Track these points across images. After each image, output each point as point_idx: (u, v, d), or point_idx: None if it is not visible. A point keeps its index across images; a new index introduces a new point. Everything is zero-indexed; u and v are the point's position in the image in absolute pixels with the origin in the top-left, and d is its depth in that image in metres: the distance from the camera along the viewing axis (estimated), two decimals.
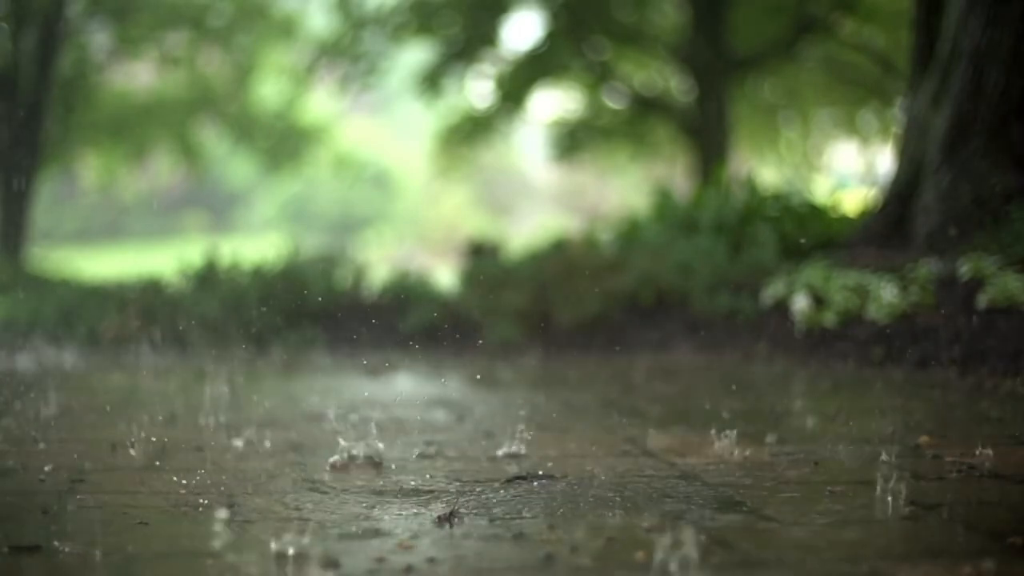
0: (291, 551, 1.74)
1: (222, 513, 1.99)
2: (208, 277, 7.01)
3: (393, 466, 2.55)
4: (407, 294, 6.77)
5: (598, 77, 16.13)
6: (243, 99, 18.00)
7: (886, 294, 5.04)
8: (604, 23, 15.20)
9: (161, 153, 18.50)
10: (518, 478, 2.34)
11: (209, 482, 2.26)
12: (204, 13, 16.58)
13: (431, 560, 1.68)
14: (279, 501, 2.14)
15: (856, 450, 2.70)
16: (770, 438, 2.82)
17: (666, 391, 4.32)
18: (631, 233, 7.18)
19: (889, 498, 2.12)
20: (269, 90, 18.65)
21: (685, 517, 1.97)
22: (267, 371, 5.37)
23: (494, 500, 2.13)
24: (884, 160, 16.00)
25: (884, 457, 2.56)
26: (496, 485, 2.28)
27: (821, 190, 9.72)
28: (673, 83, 16.74)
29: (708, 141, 14.49)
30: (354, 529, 1.89)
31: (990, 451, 2.55)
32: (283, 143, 18.45)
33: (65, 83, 15.17)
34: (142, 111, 17.16)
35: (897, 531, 1.85)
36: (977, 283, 4.84)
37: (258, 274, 6.97)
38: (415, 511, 2.04)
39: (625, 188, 24.67)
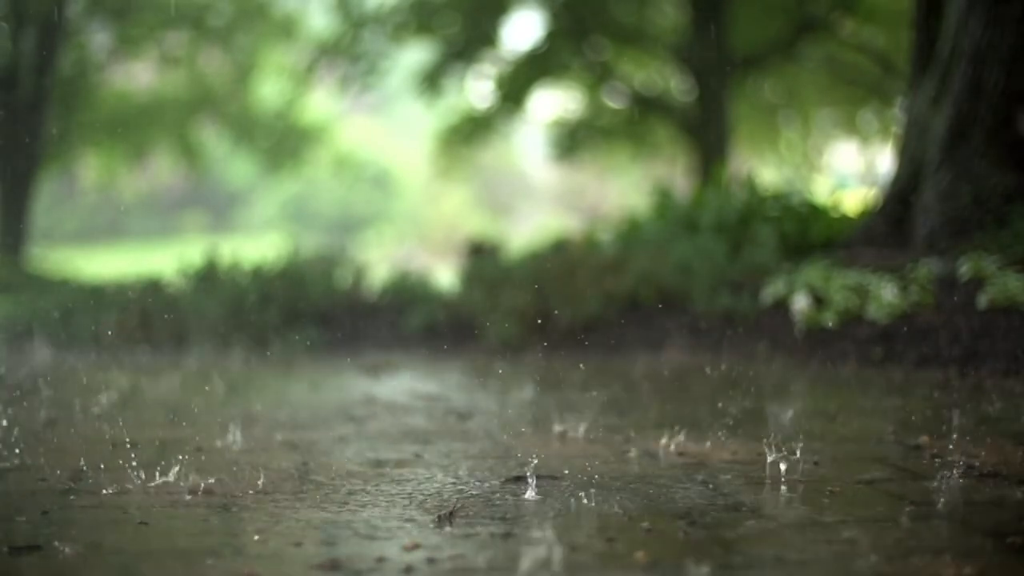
0: (290, 551, 1.74)
1: (222, 512, 1.99)
2: (208, 277, 7.01)
3: (393, 465, 2.55)
4: (407, 294, 6.77)
5: (598, 77, 16.12)
6: (243, 99, 18.00)
7: (886, 294, 5.04)
8: (604, 23, 15.20)
9: (161, 153, 18.50)
10: (518, 478, 2.34)
11: (209, 481, 2.26)
12: (204, 13, 16.58)
13: (431, 560, 1.68)
14: (278, 500, 2.14)
15: (856, 450, 2.70)
16: (769, 438, 2.81)
17: (666, 391, 4.32)
18: (631, 233, 7.18)
19: (889, 498, 2.12)
20: (269, 90, 18.64)
21: (685, 517, 1.97)
22: (267, 371, 5.37)
23: (494, 500, 2.13)
24: (884, 160, 16.00)
25: (884, 457, 2.56)
26: (496, 484, 2.28)
27: (821, 190, 9.72)
28: (673, 83, 16.74)
29: (708, 141, 14.49)
30: (354, 529, 1.89)
31: (990, 451, 2.55)
32: (283, 143, 18.45)
33: (65, 83, 15.16)
34: (142, 111, 17.15)
35: (897, 531, 1.85)
36: (977, 283, 4.84)
37: (258, 274, 6.96)
38: (415, 511, 2.04)
39: (625, 188, 24.66)
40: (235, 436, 2.91)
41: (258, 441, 2.88)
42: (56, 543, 1.77)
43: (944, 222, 5.81)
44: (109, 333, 6.43)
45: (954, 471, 2.35)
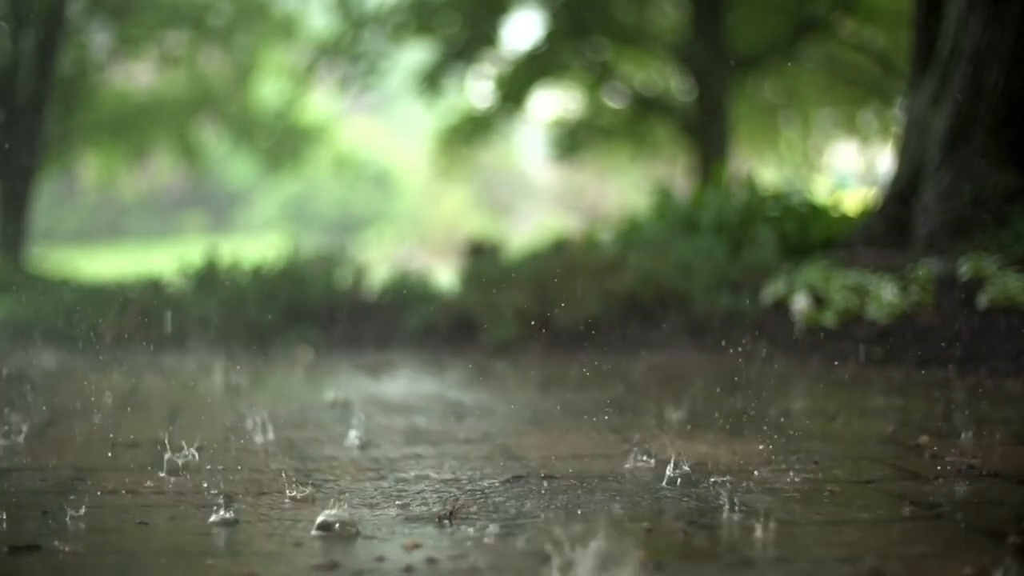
0: (290, 551, 1.74)
1: (221, 513, 1.99)
2: (208, 277, 7.01)
3: (393, 465, 2.55)
4: (407, 294, 6.77)
5: (598, 77, 16.12)
6: (243, 99, 18.00)
7: (886, 294, 5.04)
8: (604, 23, 15.20)
9: (161, 153, 18.50)
10: (517, 477, 2.34)
11: (209, 481, 2.26)
12: (204, 13, 16.58)
13: (431, 560, 1.68)
14: (277, 500, 2.14)
15: (856, 450, 2.70)
16: (770, 438, 2.82)
17: (665, 391, 4.32)
18: (631, 233, 7.18)
19: (889, 498, 2.12)
20: (269, 90, 18.65)
21: (685, 517, 1.97)
22: (267, 371, 5.36)
23: (494, 499, 2.13)
24: (884, 160, 16.00)
25: (884, 457, 2.56)
26: (495, 484, 2.28)
27: (821, 190, 9.72)
28: (673, 83, 16.74)
29: (708, 141, 14.49)
30: (354, 529, 1.89)
31: (990, 451, 2.55)
32: (283, 143, 18.45)
33: (65, 83, 15.16)
34: (142, 111, 17.15)
35: (897, 531, 1.85)
36: (977, 283, 4.84)
37: (258, 274, 6.96)
38: (415, 510, 2.04)
39: (625, 188, 24.66)
40: (235, 436, 2.91)
41: (258, 440, 2.88)
42: (56, 543, 1.77)
43: (944, 222, 5.81)
44: (109, 333, 6.43)
45: (954, 471, 2.35)
